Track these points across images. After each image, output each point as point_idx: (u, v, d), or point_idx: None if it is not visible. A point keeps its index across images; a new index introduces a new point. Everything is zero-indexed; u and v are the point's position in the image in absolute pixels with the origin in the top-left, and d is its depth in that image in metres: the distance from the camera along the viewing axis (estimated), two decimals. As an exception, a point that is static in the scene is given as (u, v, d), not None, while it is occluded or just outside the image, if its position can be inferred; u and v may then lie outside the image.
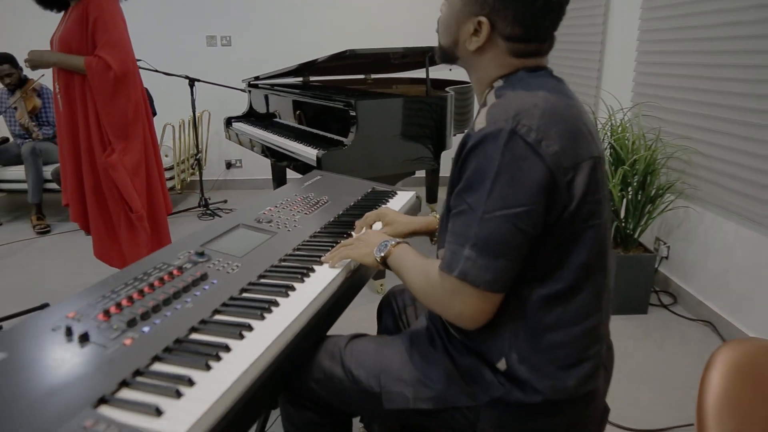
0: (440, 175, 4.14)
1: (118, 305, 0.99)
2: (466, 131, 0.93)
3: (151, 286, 1.07)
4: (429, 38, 4.59)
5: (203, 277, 1.13)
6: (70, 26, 2.13)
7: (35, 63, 2.20)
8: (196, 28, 4.63)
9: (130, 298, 1.02)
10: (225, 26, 4.65)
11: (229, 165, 4.99)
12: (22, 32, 4.27)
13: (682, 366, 2.23)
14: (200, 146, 4.37)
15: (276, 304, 1.05)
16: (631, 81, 3.07)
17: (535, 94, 0.90)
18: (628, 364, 2.24)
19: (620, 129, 2.62)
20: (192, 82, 3.80)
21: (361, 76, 3.97)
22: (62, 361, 0.83)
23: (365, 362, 1.11)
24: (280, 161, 2.99)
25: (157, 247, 2.43)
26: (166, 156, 4.06)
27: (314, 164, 2.49)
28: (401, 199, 1.81)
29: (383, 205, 1.70)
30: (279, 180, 3.91)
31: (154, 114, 3.92)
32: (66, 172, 2.30)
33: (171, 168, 4.11)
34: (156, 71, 3.65)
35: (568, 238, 0.90)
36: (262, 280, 1.16)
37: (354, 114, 2.50)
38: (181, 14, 4.61)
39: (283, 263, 1.25)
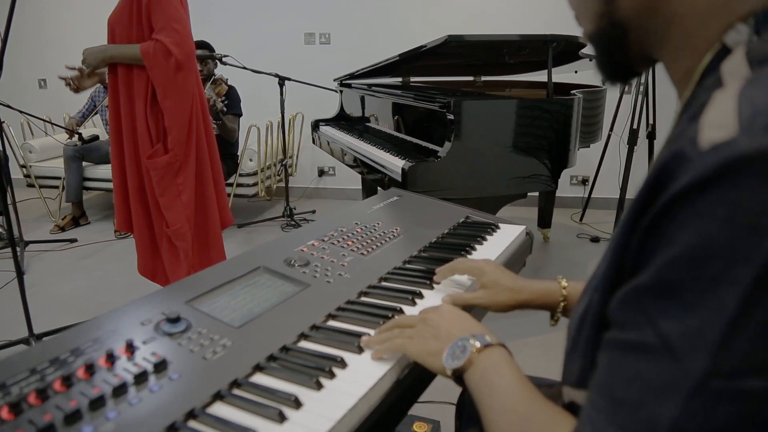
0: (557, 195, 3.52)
1: (-14, 421, 0.57)
2: (672, 148, 0.39)
3: (68, 379, 0.64)
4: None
5: (159, 367, 0.68)
6: (119, 7, 1.86)
7: (91, 63, 1.93)
8: (294, 24, 4.36)
9: (17, 406, 0.59)
10: (325, 23, 4.34)
11: (321, 172, 4.67)
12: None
13: None
14: (289, 151, 4.07)
15: (255, 440, 0.58)
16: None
17: None
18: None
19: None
20: (282, 81, 3.48)
21: (469, 78, 3.46)
22: None
23: None
24: (371, 173, 2.54)
25: (207, 265, 2.09)
26: (251, 160, 3.78)
27: (399, 178, 2.02)
28: (506, 235, 1.28)
29: (480, 244, 1.19)
30: (369, 194, 3.49)
31: (240, 115, 3.66)
32: (113, 175, 2.03)
33: (254, 173, 3.82)
34: (244, 68, 3.37)
35: None
36: (254, 378, 0.70)
37: (452, 118, 1.99)
38: (278, 10, 4.36)
39: (300, 345, 0.78)
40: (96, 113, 3.88)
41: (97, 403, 0.61)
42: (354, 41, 4.33)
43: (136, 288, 2.68)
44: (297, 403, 0.64)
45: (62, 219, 3.78)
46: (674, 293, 0.36)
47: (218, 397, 0.65)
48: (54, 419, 0.57)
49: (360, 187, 3.95)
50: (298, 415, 0.63)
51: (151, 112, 1.88)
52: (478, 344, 0.63)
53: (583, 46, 2.35)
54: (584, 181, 4.23)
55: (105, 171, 3.82)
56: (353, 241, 1.14)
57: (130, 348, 0.71)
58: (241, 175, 3.77)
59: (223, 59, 3.32)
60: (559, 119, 2.17)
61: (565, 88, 2.93)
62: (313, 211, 4.20)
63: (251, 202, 4.38)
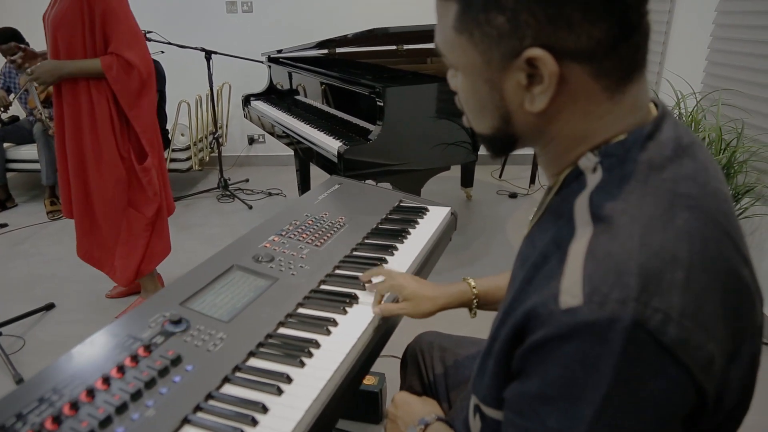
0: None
1: (56, 419, 0.75)
2: (534, 299, 0.56)
3: (106, 380, 0.82)
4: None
5: (176, 362, 0.88)
6: (61, 9, 1.84)
7: (46, 81, 1.89)
8: (215, -8, 4.31)
9: (75, 405, 0.77)
10: (246, -10, 4.31)
11: (251, 140, 4.74)
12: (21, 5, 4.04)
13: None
14: (219, 122, 4.11)
15: (263, 410, 0.79)
16: (704, 60, 2.65)
17: (670, 225, 0.53)
18: None
19: (691, 120, 2.24)
20: (209, 54, 3.50)
21: (393, 47, 3.62)
22: None
23: None
24: (297, 144, 2.71)
25: (153, 254, 2.21)
26: (183, 135, 3.81)
27: (335, 159, 2.21)
28: (435, 217, 1.52)
29: (413, 228, 1.42)
30: (302, 160, 3.64)
31: (159, 91, 3.63)
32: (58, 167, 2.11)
33: (187, 148, 3.86)
34: (169, 44, 3.37)
35: None
36: (251, 363, 0.90)
37: (381, 103, 2.19)
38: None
39: (280, 331, 0.99)
40: (10, 93, 3.72)
41: (137, 395, 0.80)
42: (277, 9, 4.34)
43: (81, 271, 2.74)
44: (288, 379, 0.86)
45: (-14, 203, 3.69)
46: (554, 403, 0.53)
47: (226, 380, 0.86)
48: (110, 411, 0.76)
49: (292, 153, 4.08)
50: (291, 388, 0.85)
51: (118, 121, 1.96)
52: (421, 426, 0.92)
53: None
54: (501, 139, 4.55)
55: (28, 152, 3.72)
56: (307, 234, 1.34)
57: (149, 348, 0.90)
58: (174, 150, 3.80)
59: (147, 35, 3.28)
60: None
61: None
62: (247, 180, 4.29)
63: (183, 174, 4.41)
